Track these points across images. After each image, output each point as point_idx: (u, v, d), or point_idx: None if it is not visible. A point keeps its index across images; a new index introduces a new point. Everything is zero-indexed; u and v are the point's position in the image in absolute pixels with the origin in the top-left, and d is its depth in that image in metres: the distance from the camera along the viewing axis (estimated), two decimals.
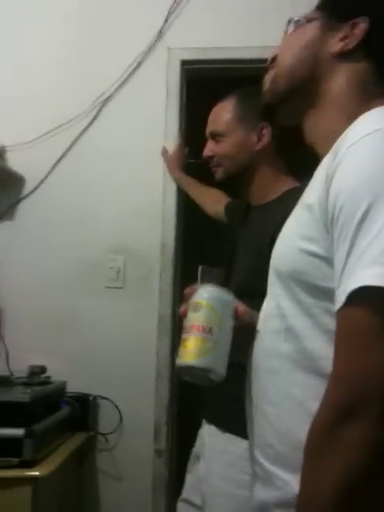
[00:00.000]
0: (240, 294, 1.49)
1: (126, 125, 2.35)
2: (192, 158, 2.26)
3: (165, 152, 2.29)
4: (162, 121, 2.33)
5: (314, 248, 0.73)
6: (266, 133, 1.56)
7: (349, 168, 0.69)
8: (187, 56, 2.35)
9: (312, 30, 0.89)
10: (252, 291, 1.47)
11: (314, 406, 0.70)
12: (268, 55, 1.01)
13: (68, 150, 2.34)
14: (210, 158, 1.64)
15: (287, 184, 1.54)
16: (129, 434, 2.20)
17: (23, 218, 2.34)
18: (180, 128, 2.34)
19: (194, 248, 2.56)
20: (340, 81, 0.85)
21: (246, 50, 2.27)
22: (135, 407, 2.19)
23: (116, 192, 2.32)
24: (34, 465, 1.63)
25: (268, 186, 1.55)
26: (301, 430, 0.71)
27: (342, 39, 0.86)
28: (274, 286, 0.84)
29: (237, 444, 1.34)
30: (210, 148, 1.63)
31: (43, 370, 2.11)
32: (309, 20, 0.90)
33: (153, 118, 2.33)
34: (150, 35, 2.34)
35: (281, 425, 0.79)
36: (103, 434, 2.18)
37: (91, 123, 2.34)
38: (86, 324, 2.26)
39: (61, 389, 2.12)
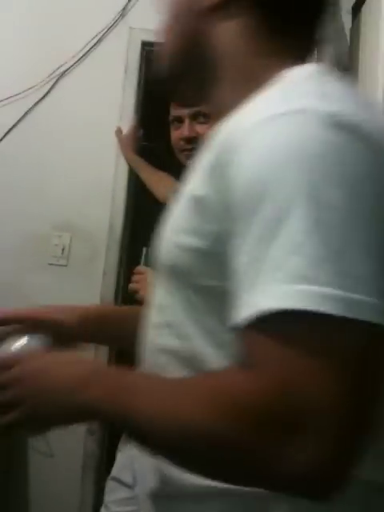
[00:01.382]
0: None
1: (81, 100, 2.31)
2: (146, 140, 2.26)
3: (119, 132, 2.27)
4: (119, 100, 2.31)
5: (196, 243, 0.62)
6: None
7: (258, 156, 0.55)
8: (149, 37, 2.33)
9: None
10: None
11: None
12: None
13: (20, 120, 2.28)
14: (191, 139, 1.55)
15: None
16: None
17: None
18: (136, 109, 2.33)
19: (142, 230, 2.55)
20: (228, 40, 0.69)
21: None
22: None
23: (67, 168, 2.28)
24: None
25: None
26: None
27: None
28: (157, 281, 0.74)
29: None
30: (193, 129, 1.54)
31: None
32: None
33: (109, 96, 2.31)
34: (113, 12, 2.31)
35: None
36: None
37: (46, 95, 2.29)
38: (26, 300, 2.22)
39: None
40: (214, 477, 0.56)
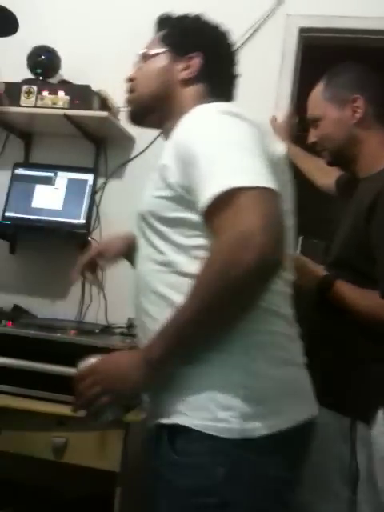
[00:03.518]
0: (334, 267, 1.49)
1: (238, 90, 2.34)
2: (301, 130, 2.24)
3: (274, 120, 2.27)
4: (275, 88, 2.31)
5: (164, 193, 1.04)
6: (360, 103, 1.53)
7: (183, 131, 1.04)
8: (306, 23, 2.31)
9: (161, 62, 1.23)
10: (344, 264, 1.47)
11: (176, 298, 0.98)
12: None
13: None
14: (315, 143, 1.64)
15: None
16: None
17: (132, 178, 2.43)
18: (292, 97, 2.31)
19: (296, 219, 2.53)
20: (186, 97, 1.19)
21: (367, 20, 2.19)
22: None
23: None
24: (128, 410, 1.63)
25: (376, 155, 1.53)
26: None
27: (184, 69, 1.20)
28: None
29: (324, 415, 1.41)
30: (312, 134, 1.64)
31: None
32: (157, 54, 1.24)
33: (265, 85, 2.32)
34: (270, 1, 2.31)
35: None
36: None
37: None
38: None
39: None
40: (243, 300, 0.92)
